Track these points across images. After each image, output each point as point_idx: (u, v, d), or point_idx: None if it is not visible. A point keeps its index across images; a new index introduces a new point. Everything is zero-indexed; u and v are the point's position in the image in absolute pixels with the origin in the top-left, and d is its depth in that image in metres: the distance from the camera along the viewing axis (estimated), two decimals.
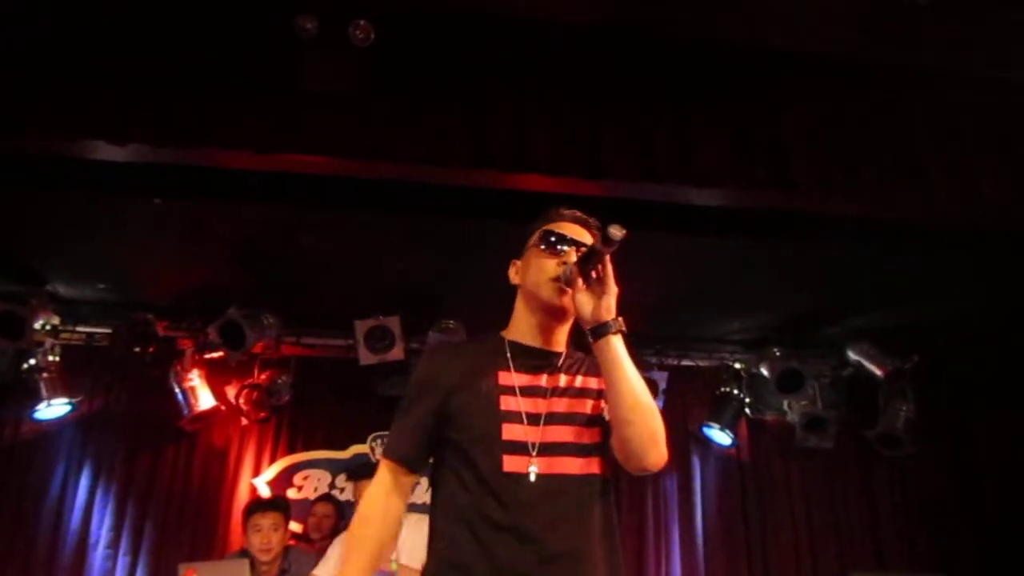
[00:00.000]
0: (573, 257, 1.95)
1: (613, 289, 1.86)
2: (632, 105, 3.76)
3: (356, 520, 1.99)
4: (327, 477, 5.24)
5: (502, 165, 3.72)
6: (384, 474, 2.00)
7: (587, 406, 1.95)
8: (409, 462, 2.00)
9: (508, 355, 1.98)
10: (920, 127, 4.06)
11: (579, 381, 1.99)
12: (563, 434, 1.89)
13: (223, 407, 5.25)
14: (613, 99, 3.76)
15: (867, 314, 5.39)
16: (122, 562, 4.97)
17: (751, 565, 5.45)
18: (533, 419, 1.88)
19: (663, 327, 5.64)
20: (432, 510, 1.94)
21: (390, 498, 1.98)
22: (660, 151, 3.79)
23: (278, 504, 4.35)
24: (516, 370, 1.95)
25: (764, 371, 5.51)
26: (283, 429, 5.42)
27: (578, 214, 2.08)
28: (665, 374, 5.38)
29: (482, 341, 2.08)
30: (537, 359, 1.99)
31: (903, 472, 5.67)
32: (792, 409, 5.61)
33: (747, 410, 5.66)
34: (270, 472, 5.27)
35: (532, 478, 1.82)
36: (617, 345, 1.82)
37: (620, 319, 1.85)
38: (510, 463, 1.83)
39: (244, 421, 5.32)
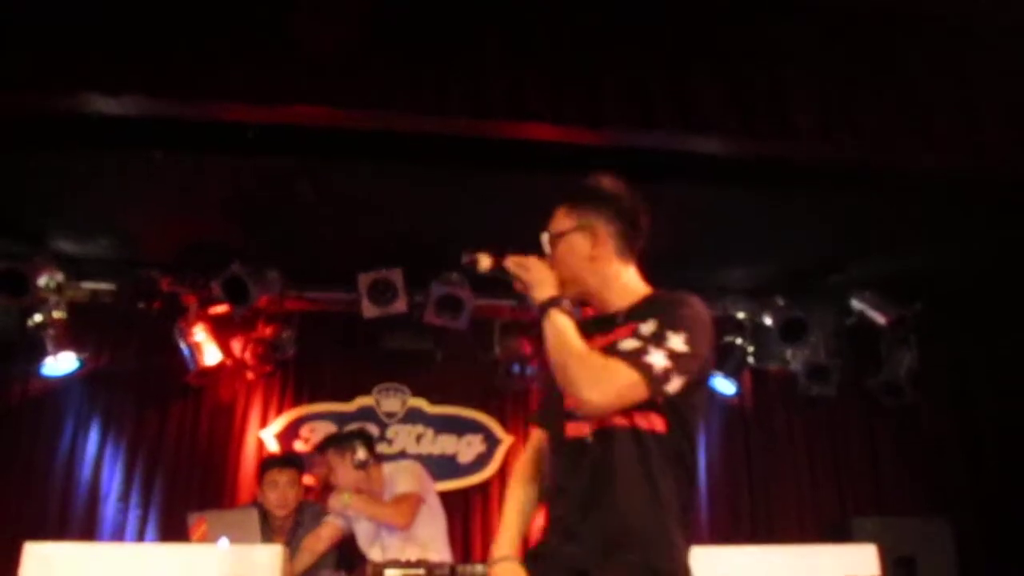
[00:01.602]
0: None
1: (529, 285, 2.05)
2: (632, 54, 3.72)
3: (513, 484, 2.23)
4: (333, 429, 5.27)
5: (502, 115, 3.70)
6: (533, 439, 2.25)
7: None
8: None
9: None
10: (923, 72, 4.01)
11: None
12: None
13: (228, 362, 5.28)
14: (613, 48, 3.72)
15: (870, 262, 5.37)
16: (133, 515, 5.05)
17: (754, 511, 5.52)
18: None
19: (666, 278, 5.56)
20: None
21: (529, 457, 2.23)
22: (660, 99, 3.77)
23: (294, 460, 4.41)
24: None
25: (767, 321, 5.51)
26: (289, 383, 5.46)
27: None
28: None
29: None
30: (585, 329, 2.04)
31: (905, 419, 5.69)
32: (795, 358, 5.61)
33: (750, 359, 5.67)
34: (276, 425, 5.32)
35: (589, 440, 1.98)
36: (544, 324, 1.98)
37: (547, 300, 2.01)
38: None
39: (250, 375, 5.36)
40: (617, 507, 1.90)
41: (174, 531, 4.49)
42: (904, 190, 4.45)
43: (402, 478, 4.06)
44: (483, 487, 5.35)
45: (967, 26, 3.78)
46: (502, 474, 5.39)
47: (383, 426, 5.36)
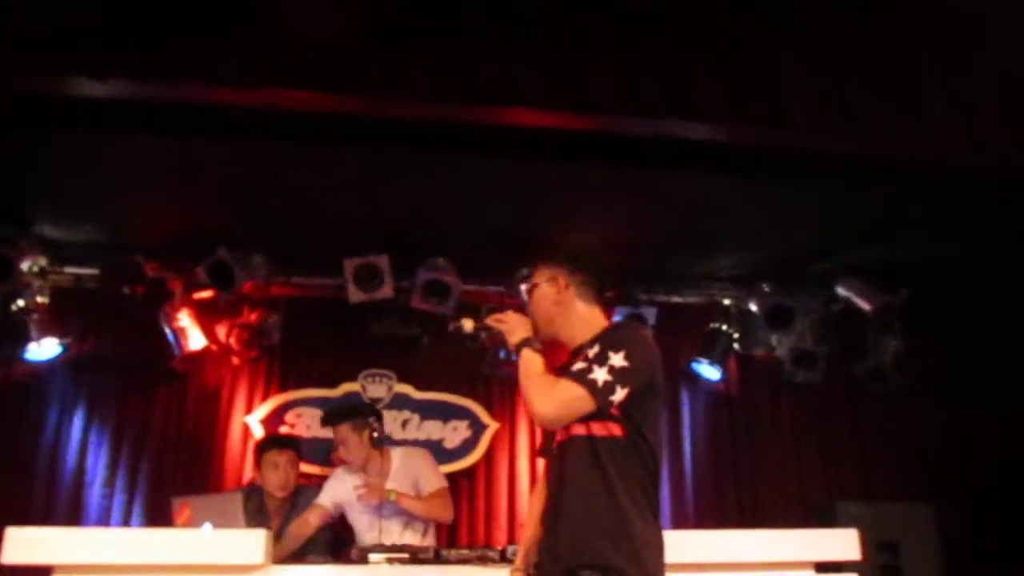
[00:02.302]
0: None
1: (507, 333, 2.47)
2: (624, 40, 3.71)
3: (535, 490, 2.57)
4: (319, 414, 5.26)
5: (492, 100, 3.69)
6: None
7: None
8: None
9: None
10: (919, 63, 4.02)
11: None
12: None
13: (214, 347, 5.25)
14: (605, 34, 3.72)
15: (857, 250, 5.41)
16: (119, 500, 5.03)
17: (739, 496, 5.55)
18: None
19: (654, 264, 5.65)
20: None
21: None
22: (652, 86, 3.77)
23: (293, 442, 4.41)
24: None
25: (753, 307, 5.54)
26: (274, 368, 5.43)
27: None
28: (654, 310, 5.41)
29: None
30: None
31: (890, 405, 5.73)
32: (781, 344, 5.64)
33: (736, 346, 5.69)
34: (262, 410, 5.30)
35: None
36: (519, 361, 2.40)
37: (519, 342, 2.43)
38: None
39: (235, 361, 5.33)
40: (566, 509, 2.27)
41: (160, 516, 4.47)
42: (894, 180, 4.46)
43: (428, 471, 4.18)
44: (469, 472, 5.36)
45: (966, 17, 3.79)
46: (488, 459, 5.40)
47: None
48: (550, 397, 2.26)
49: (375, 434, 4.07)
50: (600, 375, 2.24)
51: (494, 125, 3.91)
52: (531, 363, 2.36)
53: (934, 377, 5.82)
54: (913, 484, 5.49)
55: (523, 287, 2.62)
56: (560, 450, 2.34)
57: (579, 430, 2.29)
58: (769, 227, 5.10)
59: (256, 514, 3.98)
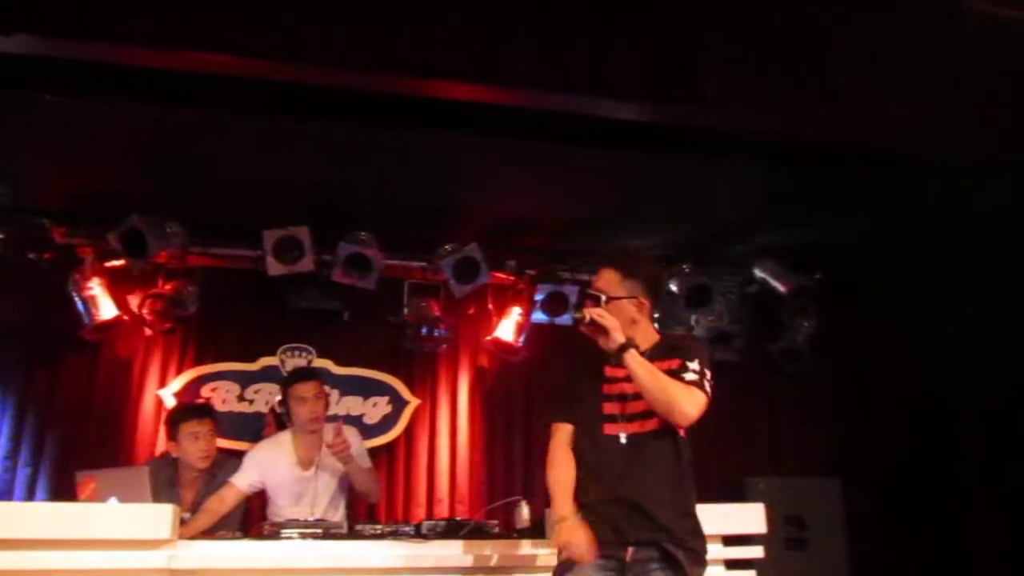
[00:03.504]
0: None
1: (607, 332, 2.65)
2: (547, 16, 3.70)
3: (548, 460, 2.81)
4: (236, 388, 5.17)
5: (414, 72, 3.64)
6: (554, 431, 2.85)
7: None
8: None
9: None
10: (833, 46, 4.11)
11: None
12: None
13: (126, 317, 5.09)
14: (528, 9, 3.69)
15: (775, 232, 5.53)
16: (22, 473, 4.85)
17: None
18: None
19: (578, 243, 5.68)
20: None
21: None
22: (576, 62, 3.77)
23: (211, 411, 4.30)
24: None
25: (673, 287, 5.62)
26: (190, 340, 5.30)
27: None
28: (576, 288, 5.44)
29: None
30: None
31: (803, 384, 5.89)
32: (699, 324, 5.74)
33: (656, 324, 5.75)
34: (177, 383, 5.18)
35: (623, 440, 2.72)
36: (628, 360, 2.63)
37: (625, 343, 2.64)
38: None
39: (148, 332, 5.18)
40: (652, 492, 2.65)
41: (66, 491, 4.31)
42: (809, 162, 4.57)
43: (361, 450, 4.19)
44: (389, 448, 5.34)
45: (883, 7, 3.88)
46: (408, 435, 5.38)
47: None
48: (694, 402, 2.63)
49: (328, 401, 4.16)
50: (708, 386, 2.68)
51: (416, 97, 3.87)
52: (651, 367, 2.65)
53: (845, 357, 5.99)
54: (822, 460, 5.65)
55: (598, 293, 2.80)
56: (637, 440, 2.70)
57: (665, 426, 2.69)
58: (691, 207, 5.17)
59: (166, 486, 3.88)
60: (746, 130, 4.27)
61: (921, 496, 5.32)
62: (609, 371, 2.79)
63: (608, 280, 2.83)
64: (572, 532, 2.64)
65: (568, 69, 3.77)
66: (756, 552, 3.53)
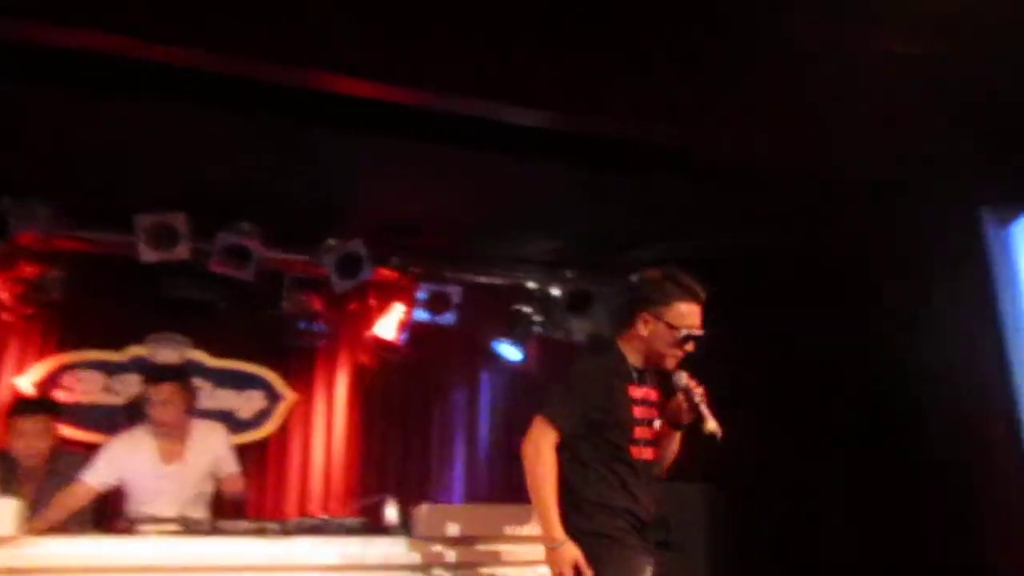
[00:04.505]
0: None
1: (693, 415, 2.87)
2: (458, 18, 3.69)
3: (543, 465, 2.72)
4: (100, 379, 4.97)
5: (312, 64, 3.57)
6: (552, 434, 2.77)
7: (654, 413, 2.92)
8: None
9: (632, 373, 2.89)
10: (729, 64, 4.26)
11: (652, 394, 2.95)
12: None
13: None
14: (437, 10, 3.67)
15: (660, 243, 5.67)
16: None
17: None
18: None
19: (465, 243, 5.71)
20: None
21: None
22: (480, 68, 3.78)
23: (45, 405, 4.09)
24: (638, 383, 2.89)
25: (556, 292, 5.72)
26: (53, 327, 5.05)
27: (702, 294, 2.97)
28: (459, 288, 5.47)
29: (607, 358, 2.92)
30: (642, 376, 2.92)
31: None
32: (580, 330, 5.86)
33: (538, 329, 5.85)
34: (36, 372, 4.93)
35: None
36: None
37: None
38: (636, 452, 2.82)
39: (6, 317, 4.90)
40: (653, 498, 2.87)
41: None
42: (703, 173, 4.69)
43: (228, 452, 4.10)
44: (261, 444, 5.23)
45: (767, 27, 4.03)
46: (283, 431, 5.29)
47: None
48: None
49: (194, 401, 3.98)
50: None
51: (312, 90, 3.78)
52: None
53: (724, 368, 6.18)
54: (689, 466, 5.83)
55: (650, 317, 2.88)
56: (650, 464, 2.89)
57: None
58: (585, 214, 5.24)
59: (3, 481, 3.68)
60: (642, 142, 4.37)
61: (778, 498, 5.56)
62: (632, 390, 2.82)
63: (658, 313, 2.88)
64: (577, 552, 2.62)
65: (472, 72, 3.76)
66: None
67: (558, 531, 2.62)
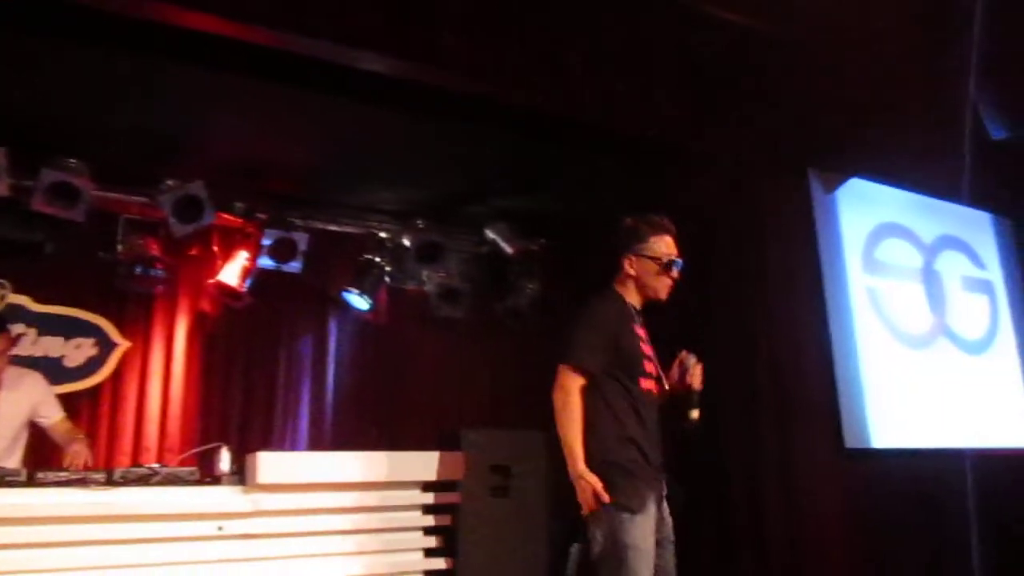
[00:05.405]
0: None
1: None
2: None
3: (570, 410, 2.95)
4: None
5: None
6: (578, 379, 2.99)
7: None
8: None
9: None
10: (568, 24, 4.32)
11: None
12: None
13: None
14: None
15: (508, 197, 5.75)
16: None
17: (378, 421, 5.70)
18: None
19: (313, 190, 5.60)
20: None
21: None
22: (317, 6, 3.70)
23: None
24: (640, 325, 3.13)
25: (407, 242, 5.70)
26: None
27: (671, 226, 3.18)
28: (306, 236, 5.37)
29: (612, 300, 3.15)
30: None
31: (523, 343, 6.19)
32: (430, 280, 5.88)
33: (388, 278, 5.83)
34: None
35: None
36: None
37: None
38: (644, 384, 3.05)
39: None
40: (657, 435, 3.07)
41: None
42: (540, 131, 4.78)
43: (51, 398, 3.99)
44: (92, 392, 4.99)
45: None
46: (115, 379, 5.06)
47: None
48: None
49: (13, 345, 3.83)
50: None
51: (146, 21, 3.60)
52: None
53: (564, 319, 6.35)
54: (536, 415, 5.99)
55: (645, 252, 3.10)
56: (655, 398, 3.09)
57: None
58: (431, 166, 5.25)
59: None
60: (484, 95, 4.40)
61: None
62: (637, 330, 3.07)
63: (651, 247, 3.11)
64: (596, 481, 2.83)
65: (311, 12, 3.69)
66: (452, 497, 3.72)
67: (580, 465, 2.86)
